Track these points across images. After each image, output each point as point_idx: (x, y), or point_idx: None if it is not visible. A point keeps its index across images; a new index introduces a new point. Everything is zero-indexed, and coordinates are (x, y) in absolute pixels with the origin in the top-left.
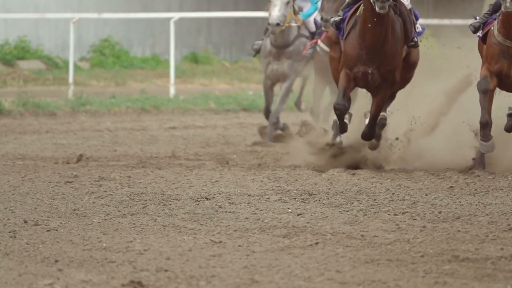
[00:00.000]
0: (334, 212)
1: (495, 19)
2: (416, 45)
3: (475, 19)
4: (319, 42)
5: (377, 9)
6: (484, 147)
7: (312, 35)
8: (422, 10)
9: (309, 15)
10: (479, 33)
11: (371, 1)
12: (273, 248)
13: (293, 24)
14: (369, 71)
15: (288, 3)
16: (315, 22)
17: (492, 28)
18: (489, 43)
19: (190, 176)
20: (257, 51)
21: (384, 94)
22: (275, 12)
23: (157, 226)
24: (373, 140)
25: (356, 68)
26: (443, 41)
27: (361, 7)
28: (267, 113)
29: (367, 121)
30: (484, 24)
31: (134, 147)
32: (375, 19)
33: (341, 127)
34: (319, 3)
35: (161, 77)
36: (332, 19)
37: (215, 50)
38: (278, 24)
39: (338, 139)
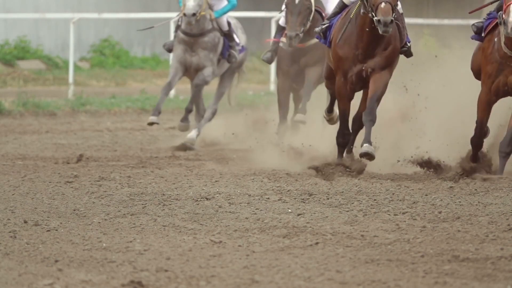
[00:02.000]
0: (334, 212)
1: (496, 18)
2: (408, 50)
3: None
4: (282, 39)
5: (380, 31)
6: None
7: (225, 35)
8: (422, 10)
9: (224, 13)
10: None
11: (374, 20)
12: (273, 248)
13: (208, 16)
14: (363, 68)
15: None
16: (229, 23)
17: (495, 40)
18: (490, 59)
19: (190, 176)
20: (170, 50)
21: (380, 76)
22: (190, 2)
23: (157, 226)
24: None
25: (350, 71)
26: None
27: (355, 10)
28: (168, 87)
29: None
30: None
31: (134, 147)
32: (373, 25)
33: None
34: (283, 18)
35: (161, 77)
36: (317, 29)
37: None
38: (194, 14)
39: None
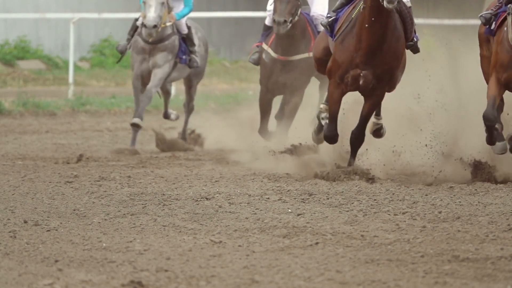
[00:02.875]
0: (334, 212)
1: (506, 12)
2: (415, 46)
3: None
4: (264, 46)
5: (385, 4)
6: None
7: (183, 38)
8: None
9: (183, 15)
10: (492, 27)
11: (374, 10)
12: (273, 248)
13: (168, 24)
14: (361, 74)
15: (163, 3)
16: (186, 24)
17: (505, 29)
18: (501, 49)
19: (190, 176)
20: (122, 52)
21: (380, 93)
22: (151, 14)
23: (157, 226)
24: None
25: (347, 74)
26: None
27: (360, 6)
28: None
29: (323, 122)
30: (496, 16)
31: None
32: (373, 19)
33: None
34: (268, 18)
35: None
36: (323, 20)
37: (215, 50)
38: (155, 26)
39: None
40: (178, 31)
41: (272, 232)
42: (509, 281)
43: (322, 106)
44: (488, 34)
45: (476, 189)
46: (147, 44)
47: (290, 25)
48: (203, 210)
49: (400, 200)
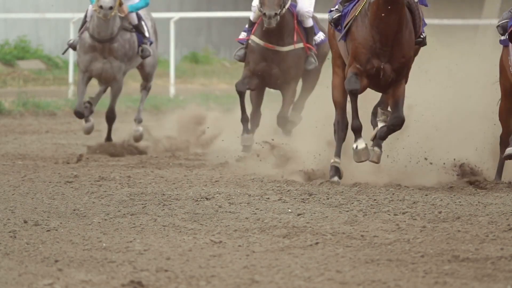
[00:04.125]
0: (334, 212)
1: None
2: (423, 41)
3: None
4: (252, 36)
5: None
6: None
7: (135, 29)
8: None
9: (137, 9)
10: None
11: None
12: (273, 248)
13: (119, 14)
14: (382, 66)
15: None
16: (138, 16)
17: None
18: None
19: (190, 176)
20: (73, 47)
21: (400, 85)
22: None
23: (157, 226)
24: (376, 148)
25: (369, 63)
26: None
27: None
28: (79, 113)
29: (380, 124)
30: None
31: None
32: (389, 7)
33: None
34: (253, 14)
35: (161, 77)
36: (329, 16)
37: (215, 50)
38: (111, 8)
39: (335, 178)
40: (129, 22)
41: (272, 232)
42: (509, 281)
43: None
44: (504, 44)
45: (476, 189)
46: (95, 41)
47: (279, 17)
48: (203, 210)
49: (400, 200)
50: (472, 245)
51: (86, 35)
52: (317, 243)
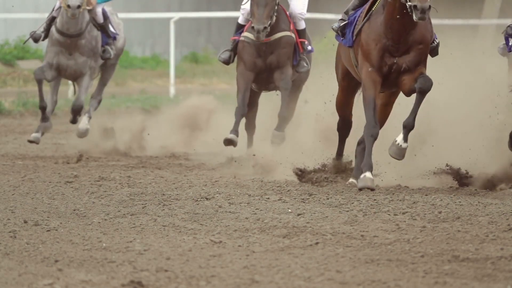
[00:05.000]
0: (334, 212)
1: None
2: (436, 48)
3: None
4: (243, 34)
5: (415, 18)
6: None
7: (100, 28)
8: None
9: (104, 1)
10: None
11: (407, 6)
12: (273, 248)
13: (87, 8)
14: (395, 61)
15: None
16: (104, 15)
17: None
18: None
19: (190, 176)
20: (36, 40)
21: (418, 69)
22: None
23: (157, 226)
24: (404, 144)
25: (382, 62)
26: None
27: (380, 1)
28: (43, 109)
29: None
30: None
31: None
32: (404, 11)
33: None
34: (242, 17)
35: (161, 77)
36: (334, 26)
37: (215, 50)
38: (79, 6)
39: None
40: (95, 20)
41: (272, 232)
42: (509, 281)
43: None
44: None
45: (476, 189)
46: (63, 37)
47: (269, 28)
48: (203, 210)
49: (400, 200)
50: (472, 245)
51: (54, 30)
52: (317, 243)
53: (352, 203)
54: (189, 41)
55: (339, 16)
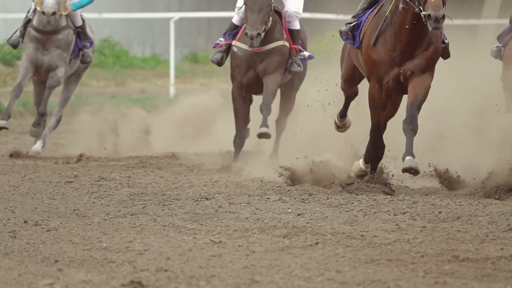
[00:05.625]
0: (334, 212)
1: None
2: (446, 50)
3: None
4: (234, 42)
5: (430, 27)
6: None
7: (77, 32)
8: None
9: (81, 6)
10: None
11: (418, 16)
12: (273, 248)
13: (63, 13)
14: (401, 71)
15: None
16: (82, 17)
17: None
18: None
19: (190, 176)
20: (15, 46)
21: (421, 80)
22: (50, 0)
23: (157, 226)
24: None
25: (387, 76)
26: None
27: (399, 6)
28: (19, 89)
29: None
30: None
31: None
32: (414, 22)
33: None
34: (236, 16)
35: (161, 77)
36: (343, 28)
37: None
38: (54, 13)
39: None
40: (72, 23)
41: (272, 232)
42: (509, 281)
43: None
44: None
45: (476, 189)
46: (39, 34)
47: (263, 34)
48: (203, 210)
49: (400, 200)
50: (472, 245)
51: (30, 29)
52: (317, 243)
53: (352, 203)
54: (189, 41)
55: (339, 16)
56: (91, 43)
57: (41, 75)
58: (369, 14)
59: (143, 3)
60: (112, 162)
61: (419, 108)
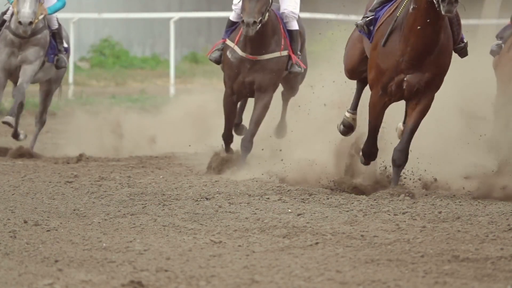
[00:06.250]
0: (334, 212)
1: None
2: (464, 49)
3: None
4: (229, 43)
5: (442, 11)
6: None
7: (53, 35)
8: None
9: (56, 10)
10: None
11: (431, 5)
12: (273, 248)
13: (40, 17)
14: (405, 79)
15: None
16: (58, 21)
17: None
18: None
19: (190, 176)
20: None
21: (429, 99)
22: (26, 9)
23: (157, 226)
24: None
25: (391, 82)
26: None
27: (410, 7)
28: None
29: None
30: None
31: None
32: (428, 20)
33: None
34: (234, 13)
35: (161, 77)
36: (360, 22)
37: None
38: (31, 23)
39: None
40: (49, 26)
41: (272, 232)
42: (509, 281)
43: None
44: None
45: (475, 190)
46: (17, 38)
47: (260, 25)
48: (203, 210)
49: (400, 200)
50: (472, 245)
51: (7, 31)
52: (317, 243)
53: (352, 203)
54: (189, 41)
55: (339, 16)
56: (66, 50)
57: (16, 77)
58: (387, 9)
59: (143, 3)
60: (112, 162)
61: (414, 133)
